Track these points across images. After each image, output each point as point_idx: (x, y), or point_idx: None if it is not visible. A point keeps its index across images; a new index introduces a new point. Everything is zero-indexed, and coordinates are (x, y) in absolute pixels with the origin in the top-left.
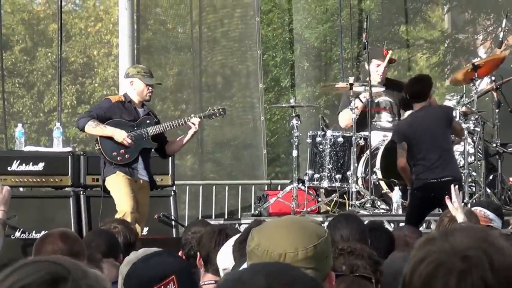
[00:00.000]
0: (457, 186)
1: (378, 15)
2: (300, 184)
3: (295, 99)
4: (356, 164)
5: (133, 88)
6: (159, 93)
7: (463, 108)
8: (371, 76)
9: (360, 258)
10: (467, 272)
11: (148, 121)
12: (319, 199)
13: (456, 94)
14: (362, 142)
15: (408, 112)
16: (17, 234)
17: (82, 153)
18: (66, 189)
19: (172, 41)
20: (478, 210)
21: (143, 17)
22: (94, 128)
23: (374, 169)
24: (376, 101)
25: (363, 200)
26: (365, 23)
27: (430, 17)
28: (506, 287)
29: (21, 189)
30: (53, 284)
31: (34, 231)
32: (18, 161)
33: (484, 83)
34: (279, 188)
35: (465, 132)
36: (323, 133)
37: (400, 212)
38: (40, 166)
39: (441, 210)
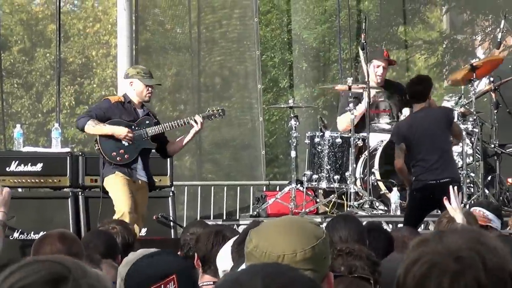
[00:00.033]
0: (455, 187)
1: (377, 16)
2: (299, 185)
3: (293, 100)
4: (354, 165)
5: (132, 89)
6: (157, 93)
7: (462, 109)
8: (370, 77)
9: (359, 259)
10: (461, 273)
11: (147, 122)
12: (318, 200)
13: (454, 95)
14: (360, 143)
15: (406, 109)
16: (16, 235)
17: (80, 153)
18: (65, 189)
19: (171, 42)
20: (478, 210)
21: (141, 17)
22: (94, 128)
23: (373, 170)
24: (375, 104)
25: (361, 201)
26: (363, 24)
27: (428, 17)
28: (499, 287)
29: (19, 189)
30: (54, 283)
31: (32, 232)
32: (17, 162)
33: (483, 84)
34: (277, 189)
35: (464, 133)
36: (322, 133)
37: (398, 213)
38: (39, 167)
39: (439, 211)
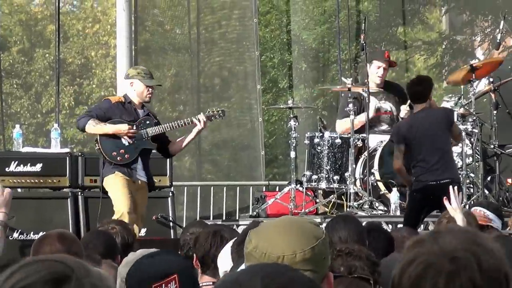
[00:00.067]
0: (455, 187)
1: (376, 17)
2: (298, 185)
3: (293, 100)
4: (354, 165)
5: (133, 89)
6: (156, 94)
7: (461, 110)
8: (369, 77)
9: (358, 259)
10: (456, 274)
11: (148, 122)
12: (317, 200)
13: (454, 95)
14: (360, 143)
15: (404, 107)
16: (15, 235)
17: (80, 154)
18: (64, 190)
19: (170, 42)
20: (478, 210)
21: (140, 18)
22: (94, 127)
23: (372, 171)
24: (375, 105)
25: (361, 201)
26: (363, 24)
27: (427, 18)
28: None
29: (19, 190)
30: (57, 283)
31: (32, 232)
32: (16, 162)
33: (482, 85)
34: (277, 189)
35: (463, 134)
36: (321, 134)
37: (398, 213)
38: (38, 167)
39: (439, 212)
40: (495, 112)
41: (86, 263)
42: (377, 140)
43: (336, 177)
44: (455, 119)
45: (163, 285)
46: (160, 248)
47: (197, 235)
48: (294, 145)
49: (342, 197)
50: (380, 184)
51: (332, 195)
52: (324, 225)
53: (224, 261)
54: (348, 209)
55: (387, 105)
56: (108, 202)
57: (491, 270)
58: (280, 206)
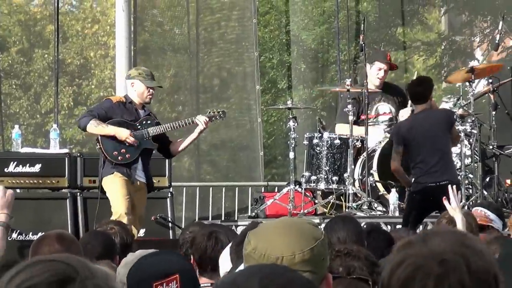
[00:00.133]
0: (454, 187)
1: (375, 17)
2: (297, 186)
3: (292, 101)
4: (353, 166)
5: (133, 90)
6: (155, 94)
7: (460, 110)
8: (369, 78)
9: (357, 260)
10: (445, 276)
11: (149, 122)
12: (316, 201)
13: (453, 96)
14: (359, 144)
15: (404, 111)
16: (14, 235)
17: (79, 154)
18: (63, 190)
19: (169, 43)
20: (479, 210)
21: (140, 18)
22: (96, 127)
23: (371, 171)
24: (375, 107)
25: (360, 202)
26: (362, 25)
27: (427, 19)
28: None
29: (18, 190)
30: (61, 284)
31: (31, 233)
32: (15, 163)
33: (481, 85)
34: (276, 190)
35: (462, 135)
36: (320, 135)
37: (397, 214)
38: (37, 168)
39: (439, 213)
40: (494, 113)
41: (92, 264)
42: (376, 141)
43: (335, 178)
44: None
45: (164, 284)
46: (158, 248)
47: (193, 237)
48: (293, 145)
49: (341, 197)
50: (379, 185)
51: (331, 196)
52: (323, 225)
53: (225, 262)
54: (347, 210)
55: (386, 107)
56: (107, 203)
57: (480, 272)
58: (279, 206)
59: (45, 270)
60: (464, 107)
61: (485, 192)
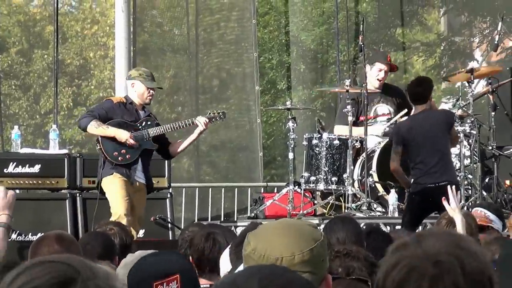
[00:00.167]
0: (454, 187)
1: (375, 18)
2: (296, 187)
3: (291, 102)
4: (352, 167)
5: (134, 90)
6: (155, 95)
7: (459, 111)
8: (368, 79)
9: (356, 260)
10: (439, 277)
11: (149, 123)
12: (315, 202)
13: (452, 97)
14: (358, 144)
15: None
16: (13, 236)
17: (78, 155)
18: (63, 191)
19: (169, 43)
20: (479, 211)
21: (139, 19)
22: (96, 128)
23: (370, 172)
24: (374, 108)
25: (359, 202)
26: (361, 25)
27: (426, 19)
28: None
29: (17, 191)
30: (62, 286)
31: (30, 233)
32: (15, 163)
33: (480, 86)
34: (275, 191)
35: (461, 135)
36: (319, 135)
37: (396, 214)
38: (37, 168)
39: (438, 214)
40: (493, 113)
41: (94, 264)
42: (375, 142)
43: (334, 179)
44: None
45: (165, 284)
46: (157, 249)
47: (191, 238)
48: (292, 146)
49: (340, 198)
50: (378, 186)
51: (330, 197)
52: (322, 226)
53: (225, 263)
54: (346, 211)
55: (385, 108)
56: (106, 203)
57: (474, 273)
58: (278, 207)
59: (46, 272)
60: (464, 108)
61: (484, 193)
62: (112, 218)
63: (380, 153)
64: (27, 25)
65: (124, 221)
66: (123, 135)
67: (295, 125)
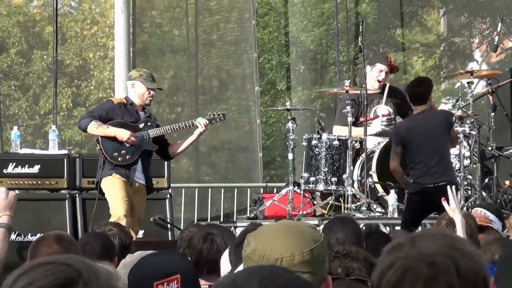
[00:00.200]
0: (453, 188)
1: (374, 19)
2: (296, 187)
3: (290, 102)
4: (351, 167)
5: (134, 91)
6: (155, 96)
7: (459, 112)
8: (368, 79)
9: (356, 261)
10: (434, 278)
11: (149, 124)
12: (315, 202)
13: (452, 97)
14: (357, 145)
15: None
16: (13, 236)
17: (77, 155)
18: (62, 191)
19: (168, 44)
20: (479, 211)
21: (139, 20)
22: (96, 129)
23: (370, 172)
24: (373, 109)
25: (358, 203)
26: (361, 26)
27: (426, 20)
28: None
29: (16, 191)
30: None
31: (29, 234)
32: (14, 164)
33: (480, 87)
34: (274, 191)
35: (461, 136)
36: (319, 136)
37: (396, 215)
38: (36, 169)
39: (438, 214)
40: (493, 114)
41: (96, 264)
42: (375, 142)
43: (333, 179)
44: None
45: (165, 283)
46: (157, 250)
47: (189, 238)
48: (292, 147)
49: (340, 199)
50: (378, 186)
51: (329, 197)
52: (321, 227)
53: (225, 264)
54: (345, 211)
55: (385, 109)
56: (105, 203)
57: (469, 274)
58: (277, 208)
59: (48, 273)
60: (463, 109)
61: (484, 194)
62: (112, 219)
63: (380, 154)
64: (26, 25)
65: (123, 222)
66: (124, 134)
67: (294, 125)
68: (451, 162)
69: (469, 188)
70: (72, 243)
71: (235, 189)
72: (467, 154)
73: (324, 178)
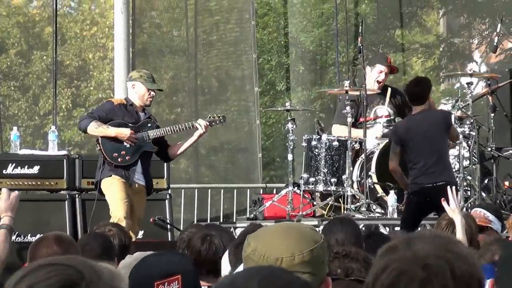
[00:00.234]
0: (454, 188)
1: (374, 19)
2: (296, 188)
3: (290, 103)
4: (351, 168)
5: (134, 92)
6: (154, 96)
7: (458, 112)
8: (367, 80)
9: (355, 261)
10: (428, 281)
11: (149, 125)
12: (315, 203)
13: (451, 98)
14: (357, 146)
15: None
16: (13, 237)
17: (77, 156)
18: (62, 192)
19: (168, 45)
20: (478, 211)
21: (138, 20)
22: (96, 129)
23: (369, 173)
24: (373, 109)
25: (358, 204)
26: (360, 27)
27: (425, 21)
28: None
29: (16, 192)
30: None
31: (29, 235)
32: (14, 164)
33: (479, 87)
34: (274, 192)
35: (461, 137)
36: (318, 136)
37: (395, 216)
38: (36, 169)
39: (437, 215)
40: (492, 115)
41: (99, 265)
42: (374, 143)
43: (333, 180)
44: (453, 122)
45: (166, 283)
46: (156, 250)
47: (188, 239)
48: (291, 147)
49: (340, 199)
50: (378, 187)
51: (329, 198)
52: (321, 227)
53: (226, 264)
54: (345, 212)
55: (384, 109)
56: (105, 204)
57: (464, 277)
58: (277, 208)
59: (50, 275)
60: (463, 109)
61: (484, 194)
62: (112, 221)
63: (379, 154)
64: (26, 26)
65: (123, 224)
66: (124, 131)
67: (294, 126)
68: (449, 162)
69: (469, 189)
70: (71, 244)
71: (235, 190)
72: (467, 155)
73: (324, 178)
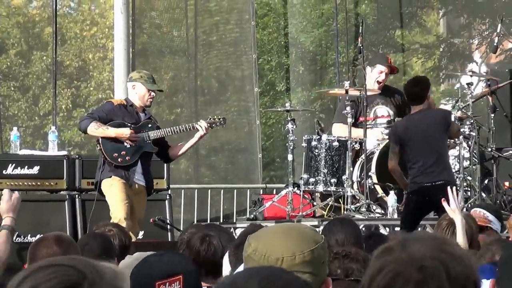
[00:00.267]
0: (454, 188)
1: (374, 20)
2: (296, 188)
3: (290, 103)
4: (351, 168)
5: (134, 92)
6: (154, 97)
7: (459, 113)
8: (368, 80)
9: (355, 262)
10: (424, 283)
11: (149, 125)
12: (315, 203)
13: (451, 98)
14: (357, 146)
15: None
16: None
17: (77, 156)
18: (61, 192)
19: (167, 45)
20: (478, 211)
21: (138, 20)
22: (96, 130)
23: (369, 173)
24: (373, 109)
25: (358, 204)
26: (360, 27)
27: (425, 21)
28: None
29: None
30: None
31: (29, 235)
32: (13, 165)
33: (480, 88)
34: (274, 192)
35: (461, 137)
36: (318, 137)
37: (395, 216)
38: (35, 170)
39: (437, 215)
40: (492, 115)
41: (101, 265)
42: (374, 143)
43: (333, 180)
44: (453, 121)
45: (167, 284)
46: (156, 250)
47: (187, 239)
48: (291, 148)
49: (340, 200)
50: (378, 187)
51: (329, 198)
52: (321, 228)
53: (227, 265)
54: (345, 212)
55: (384, 110)
56: (104, 204)
57: (459, 278)
58: (277, 209)
59: (51, 276)
60: (463, 110)
61: (484, 195)
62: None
63: (379, 155)
64: (26, 26)
65: (124, 225)
66: (124, 131)
67: (294, 126)
68: (449, 162)
69: (469, 189)
70: (71, 244)
71: (235, 190)
72: (467, 155)
73: (324, 179)
